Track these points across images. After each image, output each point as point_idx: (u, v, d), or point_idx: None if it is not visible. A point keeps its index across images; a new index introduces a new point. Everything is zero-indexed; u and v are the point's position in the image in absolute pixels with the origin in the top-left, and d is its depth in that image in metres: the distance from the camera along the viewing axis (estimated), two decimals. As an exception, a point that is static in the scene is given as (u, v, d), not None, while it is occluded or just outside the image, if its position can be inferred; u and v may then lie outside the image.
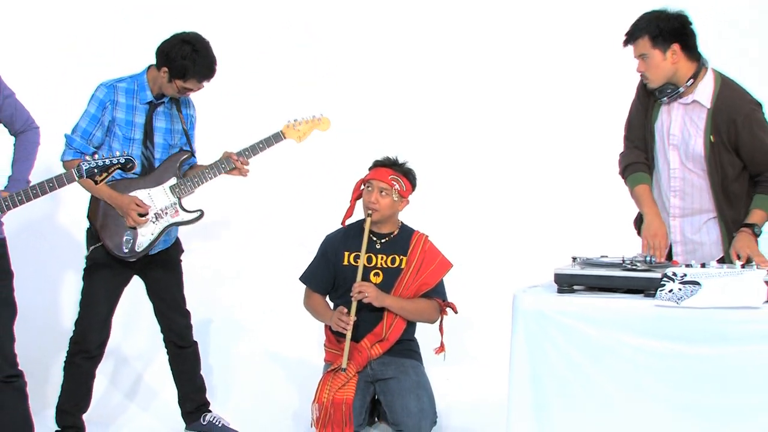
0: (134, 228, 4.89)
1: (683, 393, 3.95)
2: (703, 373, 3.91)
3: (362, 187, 5.24)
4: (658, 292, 3.99)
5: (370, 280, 5.13)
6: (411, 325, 5.25)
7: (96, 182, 4.20)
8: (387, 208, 5.18)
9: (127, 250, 4.90)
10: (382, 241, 5.23)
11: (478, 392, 5.99)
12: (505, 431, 4.27)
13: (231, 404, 6.08)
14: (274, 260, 7.02)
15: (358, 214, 5.34)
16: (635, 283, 4.18)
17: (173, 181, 4.98)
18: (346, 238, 5.27)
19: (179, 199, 4.99)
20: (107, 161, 4.17)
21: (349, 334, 4.99)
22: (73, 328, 5.12)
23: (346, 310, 5.03)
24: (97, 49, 7.01)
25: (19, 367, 4.45)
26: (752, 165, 4.59)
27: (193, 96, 5.30)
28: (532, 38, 7.31)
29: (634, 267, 4.24)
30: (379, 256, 5.20)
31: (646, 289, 4.10)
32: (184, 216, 5.01)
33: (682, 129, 4.63)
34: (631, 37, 4.56)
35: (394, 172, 5.19)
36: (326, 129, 5.29)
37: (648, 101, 4.75)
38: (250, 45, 7.33)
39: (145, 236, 4.93)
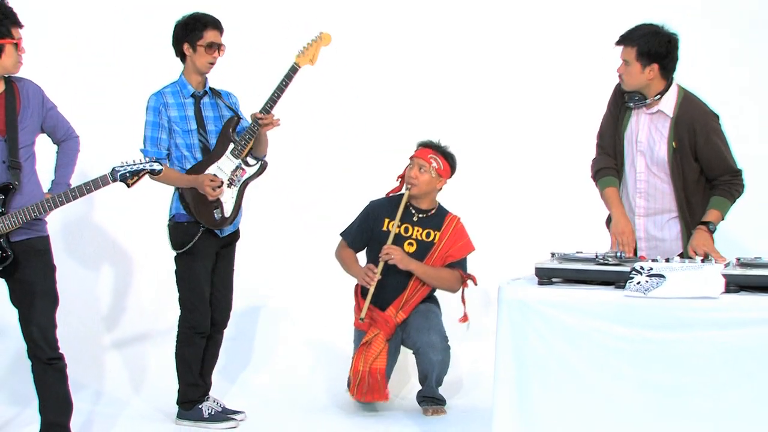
0: (217, 200, 5.22)
1: (649, 374, 4.15)
2: (667, 356, 4.13)
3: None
4: (627, 284, 4.20)
5: (404, 248, 5.50)
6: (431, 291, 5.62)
7: (128, 185, 4.42)
8: (425, 183, 5.54)
9: (218, 219, 5.22)
10: (420, 215, 5.61)
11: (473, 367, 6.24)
12: (491, 405, 4.44)
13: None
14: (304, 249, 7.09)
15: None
16: (607, 276, 4.37)
17: (231, 146, 5.29)
18: (389, 206, 5.65)
19: (241, 160, 5.30)
20: (138, 166, 4.39)
21: (372, 289, 5.36)
22: (181, 312, 5.41)
23: (375, 268, 5.39)
24: (97, 49, 7.07)
25: (60, 351, 4.64)
26: (708, 169, 4.79)
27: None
28: (519, 45, 7.32)
29: (606, 262, 4.43)
30: (416, 228, 5.57)
31: (617, 281, 4.29)
32: (249, 171, 5.32)
33: (647, 137, 4.83)
34: (623, 41, 4.76)
35: (434, 152, 5.57)
36: (329, 42, 5.41)
37: (619, 112, 4.94)
38: (251, 45, 7.37)
39: (227, 201, 5.25)
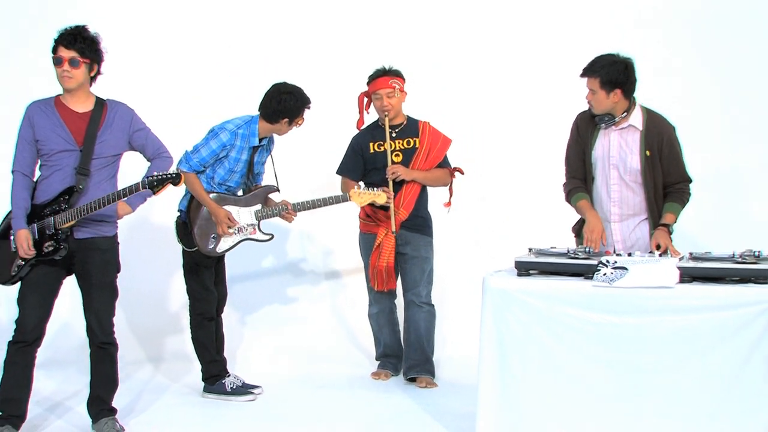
0: (220, 235, 5.59)
1: (614, 353, 4.40)
2: (630, 338, 4.38)
3: (366, 99, 6.02)
4: (594, 276, 4.46)
5: (393, 160, 5.94)
6: (421, 200, 6.11)
7: (154, 192, 4.70)
8: (397, 104, 6.00)
9: (210, 249, 5.57)
10: (397, 130, 6.03)
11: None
12: (476, 380, 4.67)
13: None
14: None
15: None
16: (577, 269, 4.63)
17: (258, 207, 5.73)
18: (367, 133, 6.16)
19: (259, 221, 5.71)
20: (163, 176, 4.66)
21: (392, 205, 5.87)
22: (190, 301, 5.74)
23: (388, 189, 5.87)
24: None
25: (114, 337, 4.93)
26: (667, 176, 5.10)
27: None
28: (516, 46, 7.43)
29: (576, 256, 4.71)
30: (397, 141, 6.03)
31: (586, 273, 4.54)
32: (259, 236, 5.75)
33: (619, 151, 5.10)
34: (586, 73, 5.04)
35: (390, 77, 5.96)
36: (383, 203, 5.78)
37: (586, 136, 5.20)
38: (253, 47, 7.56)
39: (227, 243, 5.64)
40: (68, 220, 4.62)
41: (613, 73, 4.97)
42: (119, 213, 4.91)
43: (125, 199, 4.77)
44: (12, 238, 4.73)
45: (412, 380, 6.03)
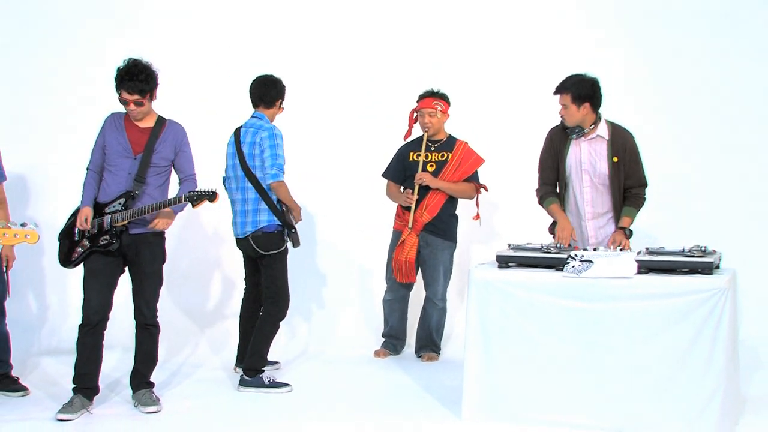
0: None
1: (580, 334, 4.68)
2: (595, 321, 4.65)
3: (415, 114, 6.45)
4: (564, 268, 4.76)
5: (427, 169, 6.38)
6: (446, 208, 6.41)
7: (193, 205, 5.12)
8: (436, 123, 6.41)
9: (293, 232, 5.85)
10: (436, 144, 6.43)
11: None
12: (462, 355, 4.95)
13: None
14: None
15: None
16: (550, 262, 4.91)
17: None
18: (410, 145, 6.53)
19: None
20: (202, 193, 5.08)
21: (413, 206, 6.27)
22: (280, 303, 5.76)
23: (411, 192, 6.27)
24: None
25: (157, 320, 5.31)
26: (628, 179, 5.42)
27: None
28: (515, 47, 7.48)
29: (548, 251, 4.99)
30: (434, 154, 6.44)
31: (557, 265, 4.84)
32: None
33: (589, 158, 5.43)
34: (559, 90, 5.36)
35: (434, 99, 6.37)
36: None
37: (559, 147, 5.47)
38: (252, 47, 7.60)
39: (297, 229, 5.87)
40: (122, 220, 5.09)
41: (582, 89, 5.29)
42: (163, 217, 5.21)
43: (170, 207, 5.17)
44: (76, 231, 5.20)
45: (420, 357, 6.49)
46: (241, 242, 5.83)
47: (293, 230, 5.77)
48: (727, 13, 7.24)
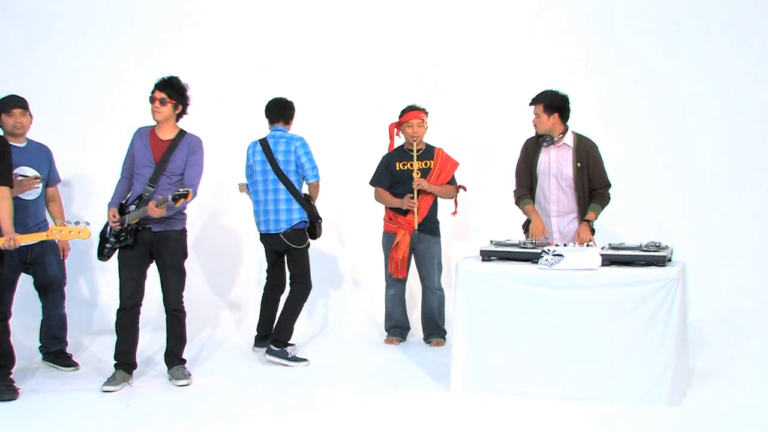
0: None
1: (553, 317, 4.95)
2: (565, 306, 4.93)
3: (396, 128, 6.69)
4: (539, 261, 5.06)
5: (414, 176, 6.64)
6: (433, 208, 6.72)
7: (175, 202, 5.25)
8: (423, 133, 6.66)
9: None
10: (418, 153, 6.68)
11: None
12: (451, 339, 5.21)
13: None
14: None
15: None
16: (526, 256, 5.20)
17: None
18: (395, 154, 6.78)
19: None
20: (182, 191, 5.27)
21: (416, 210, 6.57)
22: (306, 285, 6.17)
23: (412, 197, 6.55)
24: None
25: (183, 306, 5.65)
26: (592, 182, 5.79)
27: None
28: (511, 48, 7.68)
29: (525, 246, 5.28)
30: (418, 162, 6.67)
31: (533, 259, 5.13)
32: None
33: (557, 163, 5.79)
34: (534, 102, 5.72)
35: (420, 111, 6.61)
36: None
37: (533, 155, 5.79)
38: (252, 47, 7.77)
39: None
40: (133, 219, 5.50)
41: (553, 101, 5.67)
42: (155, 212, 5.43)
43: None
44: (108, 230, 5.63)
45: (429, 342, 6.80)
46: (269, 237, 6.27)
47: (320, 220, 6.22)
48: (679, 19, 7.45)
